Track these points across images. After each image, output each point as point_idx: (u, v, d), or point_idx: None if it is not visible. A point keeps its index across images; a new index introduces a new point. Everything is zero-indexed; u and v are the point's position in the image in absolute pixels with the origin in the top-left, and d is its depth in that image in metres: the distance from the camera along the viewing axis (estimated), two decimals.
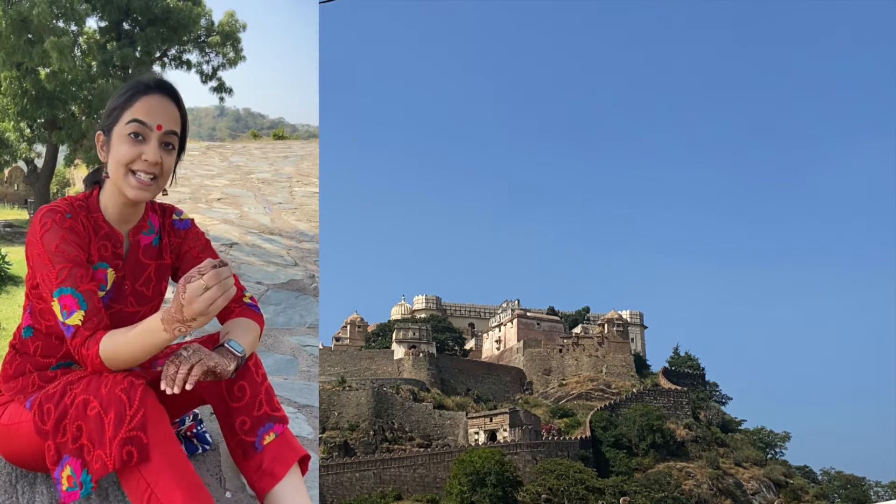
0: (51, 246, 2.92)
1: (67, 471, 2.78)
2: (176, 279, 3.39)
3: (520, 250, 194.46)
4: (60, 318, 2.88)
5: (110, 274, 3.15)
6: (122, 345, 2.82)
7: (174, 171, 3.20)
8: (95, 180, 3.23)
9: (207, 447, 3.88)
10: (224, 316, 3.23)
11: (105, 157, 3.08)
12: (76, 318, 2.87)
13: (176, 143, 3.10)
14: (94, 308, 2.89)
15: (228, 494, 3.63)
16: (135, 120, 2.99)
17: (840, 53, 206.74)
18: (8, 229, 25.86)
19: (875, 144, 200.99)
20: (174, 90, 3.11)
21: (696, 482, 56.51)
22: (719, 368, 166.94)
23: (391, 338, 73.14)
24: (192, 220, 3.51)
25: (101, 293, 3.10)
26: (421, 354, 68.43)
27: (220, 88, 26.74)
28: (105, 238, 3.14)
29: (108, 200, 3.16)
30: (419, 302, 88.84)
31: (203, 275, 2.62)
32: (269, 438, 3.04)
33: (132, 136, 2.99)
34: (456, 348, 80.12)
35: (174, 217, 3.45)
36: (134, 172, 3.01)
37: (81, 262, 2.95)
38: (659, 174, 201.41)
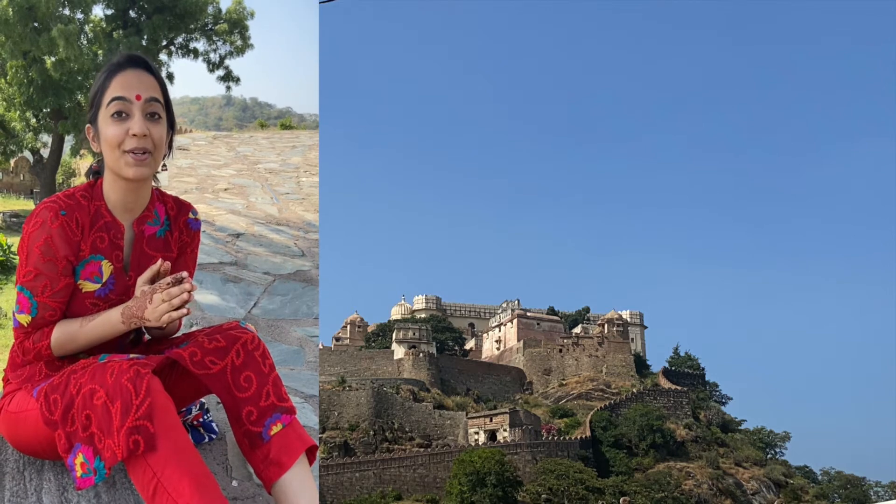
0: (33, 244, 2.98)
1: (80, 458, 2.78)
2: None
3: (520, 250, 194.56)
4: (13, 308, 3.07)
5: (105, 266, 3.14)
6: (78, 333, 3.04)
7: (171, 146, 3.22)
8: (97, 171, 3.23)
9: (214, 436, 3.88)
10: None
11: (98, 147, 3.09)
12: (23, 319, 3.05)
13: (161, 112, 3.09)
14: (41, 318, 3.05)
15: (235, 483, 3.63)
16: (114, 98, 3.00)
17: (840, 53, 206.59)
18: (14, 219, 25.82)
19: (875, 144, 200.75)
20: (145, 61, 3.13)
21: (696, 482, 56.40)
22: (719, 368, 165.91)
23: (391, 338, 72.96)
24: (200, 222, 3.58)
25: (97, 285, 3.13)
26: (421, 354, 68.30)
27: (228, 77, 26.64)
28: (104, 229, 3.13)
29: (109, 189, 3.15)
30: (419, 302, 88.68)
31: (173, 294, 2.93)
32: (276, 429, 3.03)
33: (115, 115, 3.00)
34: (456, 348, 80.00)
35: (190, 216, 3.45)
36: (127, 151, 3.00)
37: (55, 269, 3.01)
38: (659, 174, 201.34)
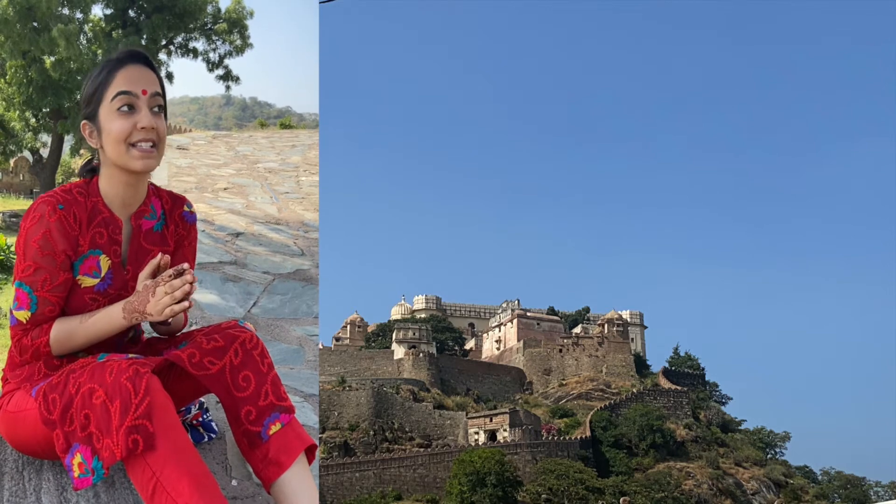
0: (31, 239, 2.97)
1: (78, 458, 2.77)
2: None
3: (520, 250, 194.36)
4: (10, 305, 3.02)
5: (104, 261, 3.14)
6: (78, 329, 3.02)
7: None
8: (90, 168, 3.22)
9: (213, 435, 3.87)
10: None
11: (97, 143, 3.08)
12: (22, 315, 3.01)
13: (162, 105, 3.12)
14: (41, 314, 3.02)
15: (234, 483, 3.62)
16: (120, 93, 3.00)
17: (840, 53, 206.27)
18: (13, 219, 25.73)
19: (875, 144, 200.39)
20: (145, 56, 3.15)
21: (696, 482, 56.37)
22: (719, 368, 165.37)
23: (391, 338, 72.92)
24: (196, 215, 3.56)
25: (96, 280, 3.12)
26: (421, 354, 68.26)
27: (227, 77, 26.61)
28: (102, 224, 3.13)
29: (107, 185, 3.15)
30: (419, 302, 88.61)
31: (175, 286, 2.92)
32: (275, 428, 3.03)
33: (122, 109, 3.00)
34: (456, 348, 79.96)
35: (185, 209, 3.45)
36: (134, 145, 3.01)
37: (54, 264, 2.99)
38: (659, 174, 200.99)
